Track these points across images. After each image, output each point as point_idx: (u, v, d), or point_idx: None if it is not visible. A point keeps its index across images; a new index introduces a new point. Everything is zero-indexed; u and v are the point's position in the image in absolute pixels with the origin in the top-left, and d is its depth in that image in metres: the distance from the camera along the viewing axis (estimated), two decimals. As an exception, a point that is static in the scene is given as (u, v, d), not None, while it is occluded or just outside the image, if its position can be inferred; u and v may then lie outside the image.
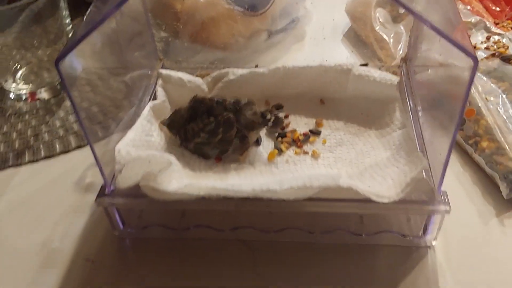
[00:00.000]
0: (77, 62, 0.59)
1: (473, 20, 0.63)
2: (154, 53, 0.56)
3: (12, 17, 0.56)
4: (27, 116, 0.59)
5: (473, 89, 0.51)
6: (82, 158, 0.53)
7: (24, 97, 0.61)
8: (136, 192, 0.40)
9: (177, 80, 0.51)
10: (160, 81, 0.51)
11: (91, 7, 0.38)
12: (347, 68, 0.50)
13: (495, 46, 0.60)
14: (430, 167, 0.41)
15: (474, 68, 0.30)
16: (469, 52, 0.29)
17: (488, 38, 0.61)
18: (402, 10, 0.62)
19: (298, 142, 0.48)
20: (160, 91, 0.51)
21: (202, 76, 0.53)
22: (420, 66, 0.48)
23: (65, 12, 0.60)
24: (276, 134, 0.49)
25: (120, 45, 0.51)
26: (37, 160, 0.53)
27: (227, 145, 0.46)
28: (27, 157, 0.53)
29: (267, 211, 0.43)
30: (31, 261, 0.43)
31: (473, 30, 0.63)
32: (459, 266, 0.41)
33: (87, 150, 0.49)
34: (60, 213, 0.47)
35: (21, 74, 0.61)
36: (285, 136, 0.49)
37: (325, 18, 0.69)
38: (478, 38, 0.62)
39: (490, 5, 0.67)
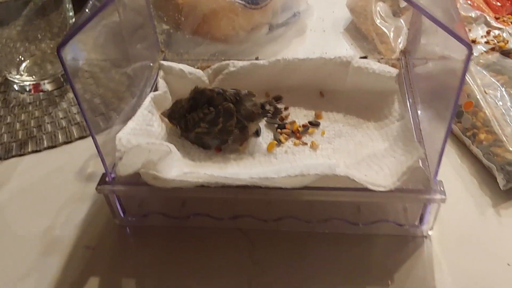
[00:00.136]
0: (79, 51, 0.60)
1: (473, 15, 0.64)
2: (156, 45, 0.56)
3: (16, 10, 0.57)
4: (30, 107, 0.60)
5: (471, 82, 0.51)
6: (84, 148, 0.54)
7: (27, 89, 0.62)
8: (136, 180, 0.41)
9: (178, 72, 0.52)
10: (161, 73, 0.52)
11: (92, -3, 0.39)
12: (347, 60, 0.50)
13: (495, 40, 0.60)
14: (426, 157, 0.41)
15: (468, 56, 0.30)
16: (463, 40, 0.30)
17: (488, 33, 0.62)
18: (402, 4, 0.63)
19: (297, 134, 0.49)
20: (161, 83, 0.51)
21: (203, 68, 0.54)
22: (419, 59, 0.49)
23: (69, 6, 0.60)
24: (276, 126, 0.50)
25: (122, 38, 0.52)
26: (40, 150, 0.54)
27: (227, 135, 0.46)
28: (30, 147, 0.54)
29: (265, 201, 0.43)
30: (33, 248, 0.44)
31: (474, 24, 0.64)
32: (455, 256, 0.41)
33: (89, 140, 0.50)
34: (62, 202, 0.48)
35: (25, 66, 0.62)
36: (285, 128, 0.50)
37: (326, 12, 0.70)
38: (478, 32, 0.62)
39: (491, 0, 0.68)
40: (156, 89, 0.51)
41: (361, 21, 0.65)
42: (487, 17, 0.63)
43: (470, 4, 0.65)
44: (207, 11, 0.58)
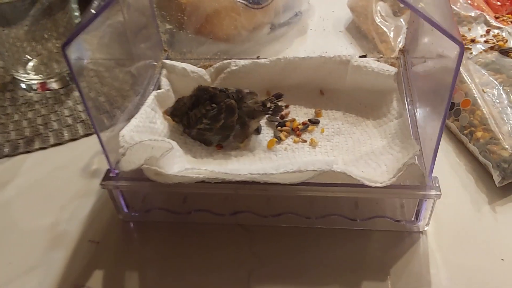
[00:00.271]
0: (84, 51, 0.61)
1: (473, 14, 0.64)
2: (159, 45, 0.57)
3: (23, 10, 0.58)
4: (37, 105, 0.61)
5: (469, 81, 0.52)
6: (89, 145, 0.55)
7: (34, 87, 0.63)
8: (139, 175, 0.42)
9: (181, 70, 0.53)
10: (164, 71, 0.53)
11: (96, -3, 0.40)
12: (346, 59, 0.51)
13: (495, 40, 0.61)
14: (422, 154, 0.42)
15: (461, 54, 0.31)
16: (455, 39, 0.31)
17: (487, 32, 0.62)
18: (402, 4, 0.64)
19: (297, 131, 0.50)
20: (164, 81, 0.52)
21: (205, 67, 0.55)
22: (417, 58, 0.50)
23: (74, 6, 0.62)
24: (276, 123, 0.51)
25: (126, 37, 0.53)
26: (46, 147, 0.56)
27: (228, 131, 0.47)
28: (36, 144, 0.56)
29: (265, 197, 0.44)
30: (40, 242, 0.45)
31: (474, 23, 0.64)
32: (450, 251, 0.42)
33: (94, 138, 0.51)
34: (67, 197, 0.49)
35: (32, 65, 0.63)
36: (285, 125, 0.51)
37: (327, 12, 0.70)
38: (478, 31, 0.63)
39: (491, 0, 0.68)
40: (159, 88, 0.52)
41: (361, 21, 0.66)
42: (487, 17, 0.64)
43: (470, 4, 0.66)
44: (210, 11, 0.59)
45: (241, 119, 0.47)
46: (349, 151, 0.47)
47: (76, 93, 0.62)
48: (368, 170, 0.42)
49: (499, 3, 0.68)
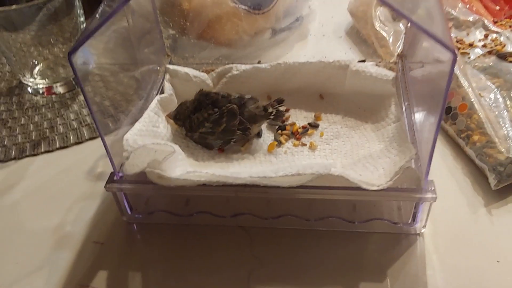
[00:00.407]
0: (90, 57, 0.63)
1: (471, 19, 0.65)
2: (162, 50, 0.58)
3: (30, 16, 0.59)
4: (43, 109, 0.62)
5: (467, 85, 0.53)
6: (94, 148, 0.56)
7: (41, 92, 0.65)
8: (142, 178, 0.43)
9: (183, 75, 0.54)
10: (167, 76, 0.54)
11: (101, 4, 0.41)
12: (345, 64, 0.52)
13: (493, 44, 0.61)
14: (419, 158, 0.43)
15: (454, 61, 0.32)
16: (448, 46, 0.32)
17: (486, 36, 0.63)
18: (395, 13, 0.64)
19: (297, 135, 0.51)
20: (167, 86, 0.54)
21: (207, 72, 0.56)
22: (415, 62, 0.50)
23: (80, 11, 0.63)
24: (277, 127, 0.52)
25: (131, 43, 0.54)
26: (52, 150, 0.57)
27: (229, 136, 0.48)
28: (43, 147, 0.57)
29: (265, 199, 0.45)
30: (45, 243, 0.47)
31: (472, 28, 0.65)
32: (446, 253, 0.43)
33: (98, 141, 0.52)
34: (72, 200, 0.50)
35: (38, 70, 0.65)
36: (285, 129, 0.52)
37: (328, 17, 0.71)
38: (476, 36, 0.64)
39: (490, 4, 0.69)
40: (162, 92, 0.53)
41: (361, 25, 0.67)
42: (485, 21, 0.65)
43: (468, 8, 0.67)
44: (212, 16, 0.60)
45: (243, 124, 0.48)
46: (348, 155, 0.48)
47: (81, 97, 0.64)
48: (365, 173, 0.43)
49: (497, 8, 0.69)
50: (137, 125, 0.47)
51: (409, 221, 0.44)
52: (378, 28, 0.64)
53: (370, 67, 0.52)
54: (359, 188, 0.40)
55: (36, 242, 0.47)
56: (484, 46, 0.61)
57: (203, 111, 0.48)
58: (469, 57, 0.59)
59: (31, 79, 0.64)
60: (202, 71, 0.56)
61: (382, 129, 0.49)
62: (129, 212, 0.47)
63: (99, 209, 0.49)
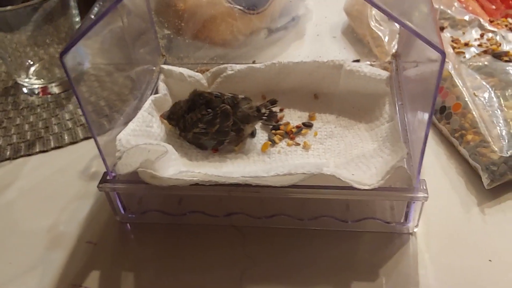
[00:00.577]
0: (84, 57, 0.63)
1: (467, 18, 0.65)
2: (157, 50, 0.59)
3: (26, 16, 0.59)
4: (38, 109, 0.62)
5: (461, 85, 0.53)
6: (89, 148, 0.56)
7: (36, 92, 0.65)
8: (135, 178, 0.43)
9: (178, 75, 0.54)
10: (162, 76, 0.55)
11: (94, 4, 0.41)
12: (339, 63, 0.52)
13: (488, 43, 0.61)
14: (411, 157, 0.43)
15: (442, 61, 0.32)
16: (437, 47, 0.32)
17: (482, 36, 0.63)
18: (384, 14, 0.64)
19: (291, 134, 0.51)
20: (161, 86, 0.54)
21: (202, 72, 0.56)
22: (408, 62, 0.50)
23: (75, 11, 0.63)
24: (271, 127, 0.52)
25: (126, 43, 0.54)
26: (47, 150, 0.57)
27: (223, 136, 0.48)
28: (37, 147, 0.57)
29: (258, 199, 0.46)
30: (39, 242, 0.47)
31: (468, 27, 0.65)
32: (439, 252, 0.43)
33: (93, 141, 0.52)
34: (66, 199, 0.51)
35: (33, 70, 0.65)
36: (279, 129, 0.52)
37: (324, 17, 0.71)
38: (472, 35, 0.64)
39: (486, 3, 0.69)
40: (156, 92, 0.53)
41: (357, 25, 0.67)
42: (481, 20, 0.65)
43: (464, 8, 0.67)
44: (207, 16, 0.60)
45: (236, 125, 0.48)
46: (341, 154, 0.48)
47: (76, 97, 0.64)
48: (358, 173, 0.43)
49: (493, 7, 0.69)
50: (131, 125, 0.47)
51: (402, 221, 0.44)
52: (373, 28, 0.64)
53: (364, 66, 0.52)
54: (351, 188, 0.40)
55: (30, 242, 0.47)
56: (479, 45, 0.61)
57: (197, 112, 0.48)
58: (464, 57, 0.59)
59: (27, 79, 0.65)
60: (197, 71, 0.56)
61: (375, 129, 0.49)
62: (122, 211, 0.47)
63: (93, 209, 0.49)
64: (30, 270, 0.44)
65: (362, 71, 0.51)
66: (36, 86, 0.65)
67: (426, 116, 0.37)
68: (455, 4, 0.67)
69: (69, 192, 0.51)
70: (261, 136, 0.51)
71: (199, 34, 0.61)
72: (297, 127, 0.52)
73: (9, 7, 0.57)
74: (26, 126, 0.60)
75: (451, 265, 0.42)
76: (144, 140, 0.45)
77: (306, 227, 0.45)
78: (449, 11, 0.66)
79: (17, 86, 0.66)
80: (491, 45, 0.61)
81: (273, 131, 0.51)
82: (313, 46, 0.68)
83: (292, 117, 0.53)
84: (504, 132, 0.48)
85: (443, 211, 0.46)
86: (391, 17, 0.33)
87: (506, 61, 0.57)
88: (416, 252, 0.43)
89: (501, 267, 0.41)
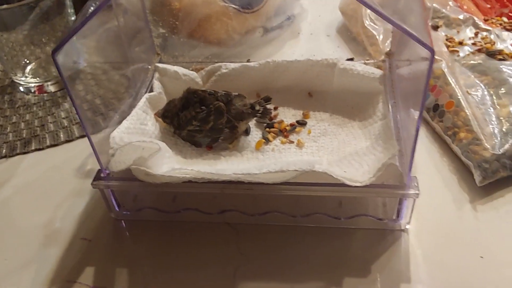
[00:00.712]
0: (79, 55, 0.63)
1: (462, 17, 0.65)
2: (152, 48, 0.59)
3: (22, 15, 0.60)
4: (34, 108, 0.63)
5: (454, 83, 0.53)
6: (84, 147, 0.57)
7: (32, 90, 0.65)
8: (130, 176, 0.44)
9: (172, 74, 0.54)
10: (156, 74, 0.55)
11: (87, 3, 0.41)
12: (333, 62, 0.53)
13: (482, 42, 0.62)
14: (404, 154, 0.43)
15: (431, 59, 0.32)
16: (426, 44, 0.32)
17: (476, 34, 0.63)
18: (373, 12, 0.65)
19: (285, 132, 0.51)
20: (156, 84, 0.54)
21: (197, 70, 0.56)
22: (401, 61, 0.51)
23: (71, 10, 0.63)
24: (265, 125, 0.52)
25: (122, 41, 0.54)
26: (42, 148, 0.57)
27: (217, 134, 0.49)
28: (33, 145, 0.57)
29: (252, 196, 0.46)
30: (34, 239, 0.47)
31: (462, 26, 0.65)
32: (430, 249, 0.43)
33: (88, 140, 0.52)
34: (62, 197, 0.51)
35: (30, 69, 0.65)
36: (273, 127, 0.52)
37: (319, 15, 0.72)
38: (466, 34, 0.64)
39: (481, 2, 0.69)
40: (151, 90, 0.54)
41: (352, 24, 0.67)
42: (476, 19, 0.65)
43: (459, 6, 0.67)
44: (202, 15, 0.60)
45: (230, 122, 0.48)
46: (334, 152, 0.48)
47: (73, 96, 0.64)
48: (350, 170, 0.43)
49: (488, 6, 0.69)
50: (125, 123, 0.47)
51: (394, 217, 0.44)
52: (368, 27, 0.64)
53: (357, 65, 0.52)
54: (343, 185, 0.40)
55: (25, 239, 0.47)
56: (474, 44, 0.61)
57: (191, 109, 0.49)
58: (458, 55, 0.59)
59: (23, 78, 0.65)
60: (192, 70, 0.56)
61: (369, 127, 0.50)
62: (117, 209, 0.47)
63: (88, 206, 0.50)
64: (25, 266, 0.45)
65: (355, 70, 0.52)
66: (32, 84, 0.65)
67: (417, 112, 0.37)
68: (450, 3, 0.67)
69: (65, 189, 0.52)
70: (255, 134, 0.52)
71: (194, 33, 0.62)
72: (291, 125, 0.52)
73: (4, 6, 0.57)
74: (22, 124, 0.60)
75: (443, 262, 0.42)
76: (138, 138, 0.45)
77: (299, 224, 0.46)
78: (443, 10, 0.67)
79: (14, 85, 0.67)
80: (485, 43, 0.61)
81: (267, 129, 0.52)
82: (308, 45, 0.69)
83: (286, 115, 0.54)
84: (496, 130, 0.49)
85: (436, 208, 0.46)
86: (382, 16, 0.33)
87: (500, 59, 0.57)
88: (408, 249, 0.43)
89: (493, 263, 0.42)
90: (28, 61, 0.65)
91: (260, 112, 0.50)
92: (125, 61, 0.57)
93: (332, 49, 0.67)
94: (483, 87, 0.53)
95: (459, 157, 0.50)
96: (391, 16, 0.34)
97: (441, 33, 0.64)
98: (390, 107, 0.49)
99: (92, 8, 0.42)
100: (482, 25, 0.65)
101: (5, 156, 0.57)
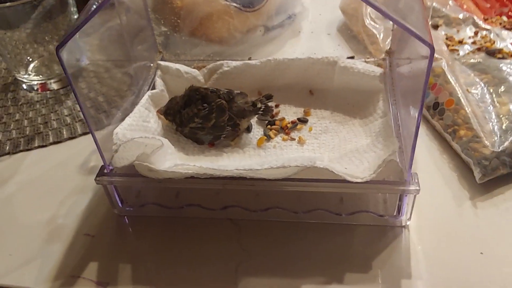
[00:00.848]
0: (81, 53, 0.63)
1: (461, 16, 0.66)
2: (154, 47, 0.59)
3: (25, 14, 0.60)
4: (37, 105, 0.63)
5: (454, 81, 0.53)
6: (87, 144, 0.57)
7: (35, 88, 0.66)
8: (133, 171, 0.44)
9: (175, 71, 0.55)
10: (159, 72, 0.55)
11: (90, 1, 0.42)
12: (333, 60, 0.53)
13: (482, 41, 0.62)
14: (404, 151, 0.44)
15: (431, 56, 0.33)
16: (426, 41, 0.32)
17: (476, 33, 0.64)
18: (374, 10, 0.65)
19: (286, 129, 0.52)
20: (158, 82, 0.54)
21: (199, 68, 0.57)
22: (401, 59, 0.51)
23: (74, 9, 0.64)
24: (266, 122, 0.53)
25: (124, 40, 0.55)
26: (46, 145, 0.58)
27: (219, 131, 0.49)
28: (36, 142, 0.58)
29: (254, 192, 0.46)
30: (38, 235, 0.47)
31: (462, 25, 0.66)
32: (431, 245, 0.43)
33: (91, 136, 0.53)
34: (65, 193, 0.51)
35: (33, 67, 0.65)
36: (274, 124, 0.52)
37: (320, 14, 0.72)
38: (466, 33, 0.64)
39: (480, 1, 0.70)
40: (153, 88, 0.54)
41: (352, 23, 0.68)
42: (475, 18, 0.65)
43: (459, 6, 0.68)
44: (204, 14, 0.61)
45: (232, 120, 0.49)
46: (335, 149, 0.48)
47: (75, 93, 0.64)
48: (351, 167, 0.44)
49: (488, 5, 0.70)
50: (128, 119, 0.48)
51: (395, 214, 0.44)
52: (368, 26, 0.64)
53: (358, 63, 0.53)
54: (344, 181, 0.41)
55: (29, 235, 0.48)
56: (473, 43, 0.61)
57: (193, 107, 0.49)
58: (458, 54, 0.60)
59: (26, 76, 0.65)
60: (194, 68, 0.56)
61: (369, 124, 0.50)
62: (120, 205, 0.48)
63: (91, 202, 0.50)
64: (29, 262, 0.45)
65: (356, 68, 0.52)
66: (35, 82, 0.65)
67: (417, 110, 0.38)
68: (450, 2, 0.68)
69: (68, 186, 0.52)
70: (257, 131, 0.52)
71: (196, 31, 0.62)
72: (292, 122, 0.52)
73: (8, 4, 0.57)
74: (25, 122, 0.61)
75: (443, 258, 0.42)
76: (141, 134, 0.45)
77: (301, 220, 0.46)
78: (443, 9, 0.67)
79: (17, 83, 0.67)
80: (485, 42, 0.62)
81: (269, 126, 0.52)
82: (308, 43, 0.69)
83: (288, 113, 0.54)
84: (496, 128, 0.49)
85: (436, 205, 0.47)
86: (384, 14, 0.33)
87: (500, 58, 0.58)
88: (409, 245, 0.44)
89: (493, 259, 0.42)
90: (31, 59, 0.65)
91: (261, 109, 0.51)
92: (128, 59, 0.57)
93: (333, 47, 0.67)
94: (483, 85, 0.54)
95: (459, 154, 0.50)
96: (392, 14, 0.35)
97: (441, 32, 0.65)
98: (390, 105, 0.50)
99: (94, 6, 0.42)
100: (482, 24, 0.65)
101: (8, 153, 0.57)
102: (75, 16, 0.64)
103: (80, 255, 0.45)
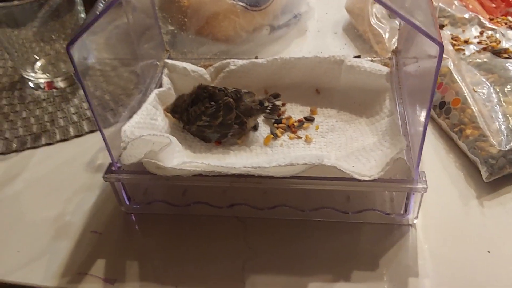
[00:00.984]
0: (90, 51, 0.64)
1: (467, 16, 0.66)
2: (161, 45, 0.60)
3: (32, 12, 0.60)
4: (44, 103, 0.63)
5: (460, 81, 0.54)
6: (93, 141, 0.57)
7: (42, 86, 0.66)
8: (140, 169, 0.44)
9: (181, 70, 0.55)
10: (166, 71, 0.55)
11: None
12: (340, 59, 0.53)
13: (488, 41, 0.62)
14: (411, 150, 0.44)
15: (440, 54, 0.33)
16: (435, 39, 0.32)
17: (481, 33, 0.64)
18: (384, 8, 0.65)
19: (293, 128, 0.52)
20: (165, 80, 0.55)
21: (205, 67, 0.57)
22: (408, 58, 0.51)
23: (81, 8, 0.64)
24: (273, 121, 0.53)
25: (131, 38, 0.55)
26: (52, 143, 0.58)
27: (226, 129, 0.49)
28: (43, 140, 0.58)
29: (261, 190, 0.46)
30: (45, 232, 0.48)
31: (468, 25, 0.66)
32: (438, 244, 0.44)
33: (98, 134, 0.53)
34: (72, 191, 0.52)
35: (39, 65, 0.66)
36: (281, 123, 0.52)
37: (326, 14, 0.72)
38: (472, 33, 0.64)
39: (486, 1, 0.70)
40: (160, 86, 0.54)
41: (358, 22, 0.68)
42: (481, 18, 0.65)
43: (465, 6, 0.68)
44: (210, 13, 0.61)
45: (239, 118, 0.49)
46: (342, 147, 0.48)
47: (82, 92, 0.64)
48: (358, 165, 0.44)
49: (493, 5, 0.70)
50: (135, 117, 0.48)
51: (402, 212, 0.44)
52: (374, 25, 0.65)
53: (364, 62, 0.53)
54: (352, 179, 0.41)
55: (37, 232, 0.48)
56: (479, 43, 0.61)
57: (200, 105, 0.49)
58: (464, 54, 0.60)
59: (33, 74, 0.65)
60: (200, 66, 0.57)
61: (376, 123, 0.50)
62: (127, 202, 0.48)
63: (98, 200, 0.50)
64: (37, 259, 0.45)
65: (362, 67, 0.52)
66: (42, 80, 0.66)
67: (424, 109, 0.38)
68: (455, 2, 0.68)
69: (75, 183, 0.52)
70: (264, 129, 0.52)
71: (203, 30, 0.62)
72: (299, 121, 0.53)
73: (15, 2, 0.58)
74: (32, 120, 0.61)
75: (450, 256, 0.43)
76: (148, 132, 0.45)
77: (308, 218, 0.46)
78: (449, 9, 0.67)
79: (23, 81, 0.67)
80: (490, 42, 0.62)
81: (275, 124, 0.52)
82: (314, 42, 0.69)
83: (294, 112, 0.54)
84: (503, 127, 0.49)
85: (443, 204, 0.47)
86: (393, 11, 0.34)
87: (506, 57, 0.58)
88: (416, 244, 0.44)
89: (500, 258, 0.42)
90: (37, 58, 0.65)
91: (268, 108, 0.51)
92: (134, 58, 0.57)
93: (339, 46, 0.68)
94: (489, 84, 0.54)
95: (466, 153, 0.50)
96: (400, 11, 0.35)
97: (447, 32, 0.65)
98: (397, 104, 0.50)
99: (101, 4, 0.43)
100: (487, 24, 0.65)
101: (15, 151, 0.57)
102: (82, 15, 0.64)
103: (87, 252, 0.46)
